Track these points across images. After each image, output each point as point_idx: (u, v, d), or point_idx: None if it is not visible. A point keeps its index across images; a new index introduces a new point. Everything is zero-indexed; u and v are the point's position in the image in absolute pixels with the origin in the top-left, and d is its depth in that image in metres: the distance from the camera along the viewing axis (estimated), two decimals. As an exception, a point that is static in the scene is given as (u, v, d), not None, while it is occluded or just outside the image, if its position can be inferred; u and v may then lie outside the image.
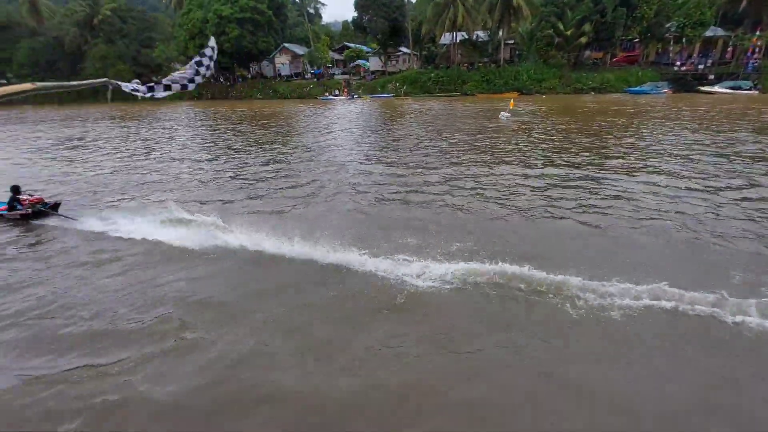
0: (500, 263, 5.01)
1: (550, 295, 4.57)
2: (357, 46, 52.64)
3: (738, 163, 10.11)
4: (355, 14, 45.06)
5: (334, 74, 50.36)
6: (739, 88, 31.11)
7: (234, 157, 12.80)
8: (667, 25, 35.35)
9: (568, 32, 35.01)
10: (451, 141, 14.45)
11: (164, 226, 6.89)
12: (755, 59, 32.95)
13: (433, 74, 41.24)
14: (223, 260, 5.75)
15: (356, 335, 4.11)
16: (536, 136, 15.09)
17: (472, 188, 8.66)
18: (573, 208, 7.34)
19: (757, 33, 32.98)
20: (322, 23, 68.42)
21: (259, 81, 49.17)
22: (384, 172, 10.25)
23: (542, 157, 11.39)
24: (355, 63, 51.35)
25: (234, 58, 44.77)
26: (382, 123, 21.49)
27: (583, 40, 34.96)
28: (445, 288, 4.80)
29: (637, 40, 37.93)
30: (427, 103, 33.18)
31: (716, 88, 31.52)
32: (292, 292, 4.96)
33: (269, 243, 6.02)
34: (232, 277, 5.38)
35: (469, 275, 4.98)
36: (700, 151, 11.65)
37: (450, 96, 38.30)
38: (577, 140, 13.93)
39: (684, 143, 12.94)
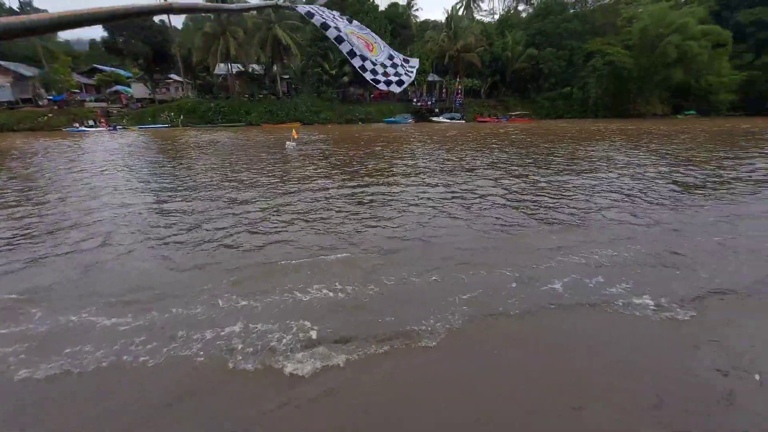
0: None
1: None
2: (112, 69, 45.75)
3: (450, 169, 14.71)
4: (105, 34, 39.35)
5: (84, 101, 42.10)
6: (453, 118, 43.36)
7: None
8: (404, 71, 45.81)
9: (333, 71, 40.74)
10: (245, 172, 14.90)
11: None
12: (459, 98, 46.62)
13: (213, 104, 40.12)
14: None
15: None
16: (324, 161, 17.30)
17: (274, 219, 9.41)
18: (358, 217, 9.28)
19: (458, 80, 46.82)
20: (60, 41, 55.90)
21: (-43, 108, 36.18)
22: (175, 213, 9.80)
23: (333, 178, 13.28)
24: (113, 89, 44.43)
25: None
26: (162, 157, 19.80)
27: (346, 78, 41.38)
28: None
29: (386, 80, 47.42)
30: (212, 134, 32.12)
31: (441, 119, 42.96)
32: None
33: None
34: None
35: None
36: (452, 161, 16.09)
37: (236, 126, 38.19)
38: (359, 160, 16.81)
39: (438, 156, 17.58)
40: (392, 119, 42.13)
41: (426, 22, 55.97)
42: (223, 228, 7.93)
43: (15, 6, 46.50)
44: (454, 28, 45.15)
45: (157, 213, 9.29)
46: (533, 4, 54.23)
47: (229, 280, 5.46)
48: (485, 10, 58.97)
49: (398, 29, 47.03)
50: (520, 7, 56.60)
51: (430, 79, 47.37)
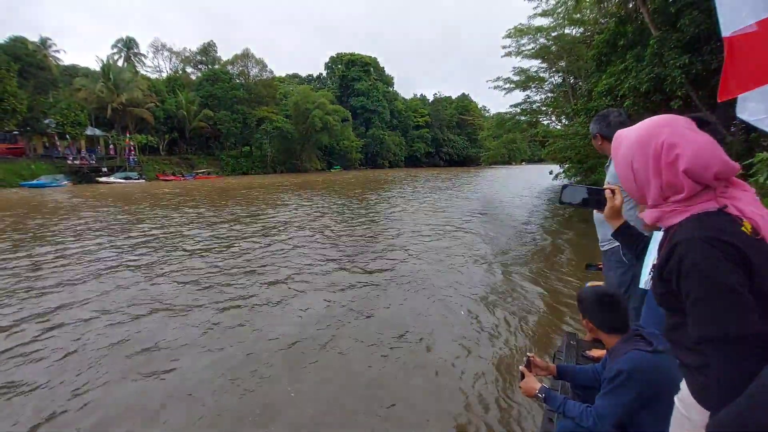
0: None
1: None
2: None
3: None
4: None
5: None
6: (130, 178, 38.50)
7: None
8: (46, 121, 36.75)
9: None
10: None
11: None
12: (133, 155, 42.01)
13: None
14: None
15: None
16: None
17: None
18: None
19: (127, 135, 42.18)
20: None
21: None
22: None
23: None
24: None
25: None
26: None
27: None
28: None
29: (17, 132, 36.32)
30: None
31: (112, 179, 37.09)
32: None
33: None
34: None
35: None
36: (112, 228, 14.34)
37: None
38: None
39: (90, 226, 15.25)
40: (36, 182, 32.51)
41: (74, 68, 47.06)
42: None
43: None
44: (114, 79, 40.73)
45: None
46: (201, 69, 57.05)
47: None
48: (150, 66, 56.68)
49: (31, 70, 37.24)
50: (189, 70, 58.07)
51: (89, 133, 40.19)
